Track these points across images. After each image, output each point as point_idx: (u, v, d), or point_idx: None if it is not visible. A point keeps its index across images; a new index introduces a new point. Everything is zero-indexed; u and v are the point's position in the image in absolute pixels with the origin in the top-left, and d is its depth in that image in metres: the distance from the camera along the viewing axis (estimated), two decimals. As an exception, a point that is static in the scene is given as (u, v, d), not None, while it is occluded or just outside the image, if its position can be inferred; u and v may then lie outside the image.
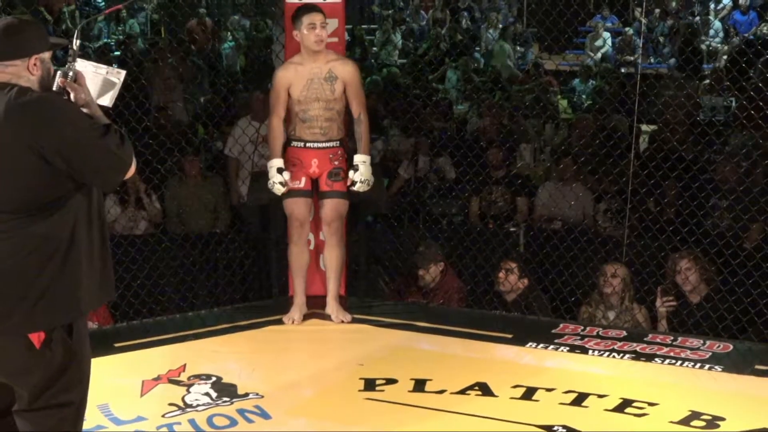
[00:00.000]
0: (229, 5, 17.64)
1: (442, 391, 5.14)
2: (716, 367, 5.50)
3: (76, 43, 3.60)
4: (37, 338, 3.41)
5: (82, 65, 3.59)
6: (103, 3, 16.84)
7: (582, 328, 6.16)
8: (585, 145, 7.78)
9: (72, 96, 3.49)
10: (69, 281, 3.45)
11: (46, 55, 3.49)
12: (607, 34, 16.25)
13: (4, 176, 3.34)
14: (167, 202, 8.19)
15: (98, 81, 3.64)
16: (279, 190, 6.11)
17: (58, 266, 3.42)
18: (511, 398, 5.07)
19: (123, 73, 3.73)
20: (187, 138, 8.36)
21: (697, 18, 16.87)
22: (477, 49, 16.03)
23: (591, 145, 7.61)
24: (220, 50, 14.41)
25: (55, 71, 3.54)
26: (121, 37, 15.59)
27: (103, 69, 3.69)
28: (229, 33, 14.89)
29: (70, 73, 3.52)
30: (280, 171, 6.07)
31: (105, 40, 15.66)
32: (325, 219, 6.16)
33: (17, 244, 3.38)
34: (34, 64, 3.44)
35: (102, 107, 3.60)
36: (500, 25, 16.74)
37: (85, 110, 3.49)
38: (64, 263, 3.42)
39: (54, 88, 3.50)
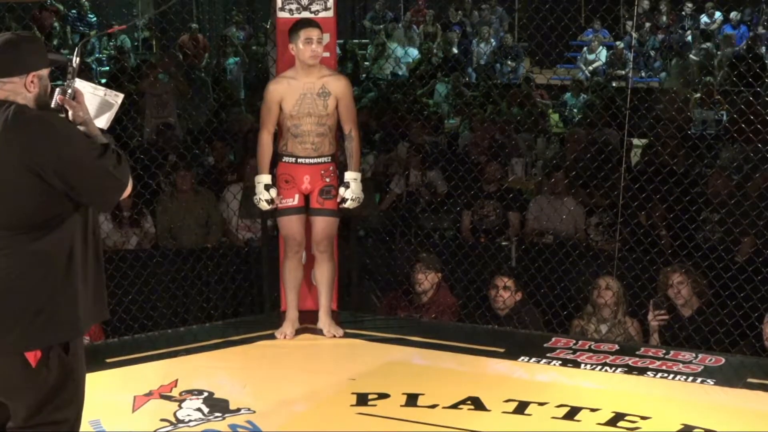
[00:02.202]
0: (221, 20, 17.67)
1: (434, 406, 5.14)
2: (708, 380, 5.50)
3: (75, 60, 3.59)
4: (33, 356, 3.39)
5: (82, 85, 3.57)
6: (95, 19, 16.85)
7: (574, 341, 6.15)
8: (576, 159, 7.79)
9: (70, 114, 3.49)
10: (67, 299, 3.43)
11: (44, 72, 3.47)
12: (602, 48, 16.34)
13: (2, 194, 3.33)
14: (159, 216, 8.19)
15: (96, 102, 3.63)
16: (264, 207, 6.11)
17: (56, 284, 3.40)
18: (504, 412, 5.06)
19: (121, 96, 3.72)
20: (180, 153, 8.36)
21: (688, 32, 16.94)
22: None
23: (582, 159, 7.63)
24: (224, 65, 14.44)
25: (53, 88, 3.53)
26: (112, 52, 15.60)
27: (101, 90, 3.68)
28: (231, 48, 14.91)
29: (69, 91, 3.50)
30: (267, 188, 6.07)
31: (97, 55, 15.67)
32: (316, 237, 6.16)
33: (15, 262, 3.37)
34: (32, 81, 3.42)
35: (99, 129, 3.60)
36: (492, 40, 16.79)
37: (82, 128, 3.48)
38: (62, 281, 3.41)
39: (52, 105, 3.49)
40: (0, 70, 3.39)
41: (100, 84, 3.80)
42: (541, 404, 5.13)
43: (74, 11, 16.69)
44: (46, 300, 3.39)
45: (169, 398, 5.24)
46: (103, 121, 3.65)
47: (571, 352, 5.96)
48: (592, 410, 5.05)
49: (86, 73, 11.00)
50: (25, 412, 3.47)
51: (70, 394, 3.51)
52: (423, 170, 8.79)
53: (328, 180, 6.11)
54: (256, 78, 12.81)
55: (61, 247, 3.40)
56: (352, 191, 6.08)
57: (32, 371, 3.40)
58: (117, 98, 3.70)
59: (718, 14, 17.04)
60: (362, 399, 5.23)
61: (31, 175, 3.31)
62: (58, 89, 3.51)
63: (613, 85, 14.08)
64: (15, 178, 3.32)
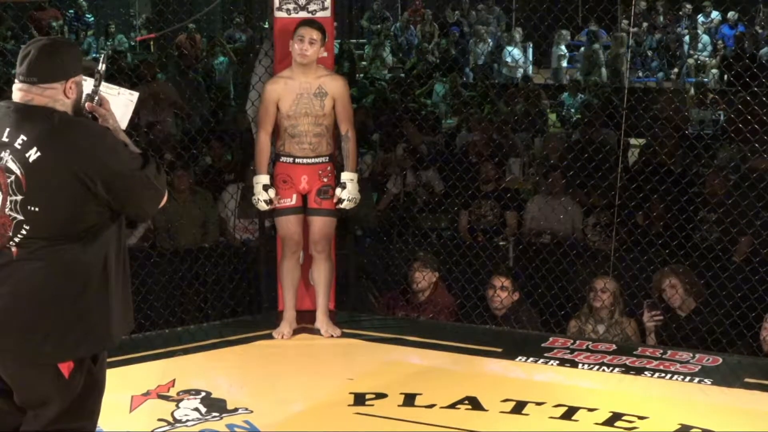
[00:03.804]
0: (218, 20, 17.66)
1: (431, 406, 5.14)
2: (706, 380, 5.51)
3: (102, 67, 3.55)
4: (66, 367, 3.39)
5: (103, 88, 3.56)
6: (92, 18, 16.86)
7: (572, 341, 6.16)
8: (560, 157, 7.78)
9: (100, 121, 3.47)
10: (102, 310, 3.43)
11: (80, 78, 3.45)
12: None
13: (44, 202, 3.31)
14: (156, 216, 8.17)
15: (118, 104, 3.61)
16: (263, 207, 6.11)
17: (91, 296, 3.39)
18: (501, 412, 5.06)
19: (136, 94, 3.71)
20: (177, 153, 8.35)
21: (685, 32, 16.95)
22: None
23: (565, 158, 7.62)
24: (212, 65, 14.42)
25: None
26: (109, 51, 15.59)
27: (115, 90, 3.66)
28: (219, 48, 14.89)
29: (96, 98, 3.49)
30: (265, 188, 6.07)
31: (93, 55, 15.66)
32: (313, 237, 6.16)
33: (53, 272, 3.35)
34: (70, 87, 3.40)
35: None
36: (489, 40, 16.79)
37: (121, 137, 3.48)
38: (97, 293, 3.41)
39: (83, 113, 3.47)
40: (42, 76, 3.36)
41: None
42: (538, 404, 5.14)
43: (72, 11, 16.69)
44: (82, 311, 3.38)
45: (166, 398, 5.24)
46: (124, 122, 3.64)
47: (568, 352, 5.96)
48: (590, 410, 5.05)
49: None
50: (46, 419, 3.45)
51: (92, 404, 3.52)
52: (418, 170, 8.80)
53: (325, 180, 6.11)
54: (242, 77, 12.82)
55: (97, 258, 3.40)
56: (348, 191, 6.08)
57: (64, 382, 3.40)
58: (133, 97, 3.69)
59: (715, 14, 17.05)
60: (360, 399, 5.23)
61: (76, 184, 3.29)
62: (84, 95, 3.48)
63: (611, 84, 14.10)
64: (58, 185, 3.29)
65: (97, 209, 3.36)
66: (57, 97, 3.38)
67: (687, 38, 16.73)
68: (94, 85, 3.50)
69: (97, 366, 3.49)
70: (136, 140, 7.23)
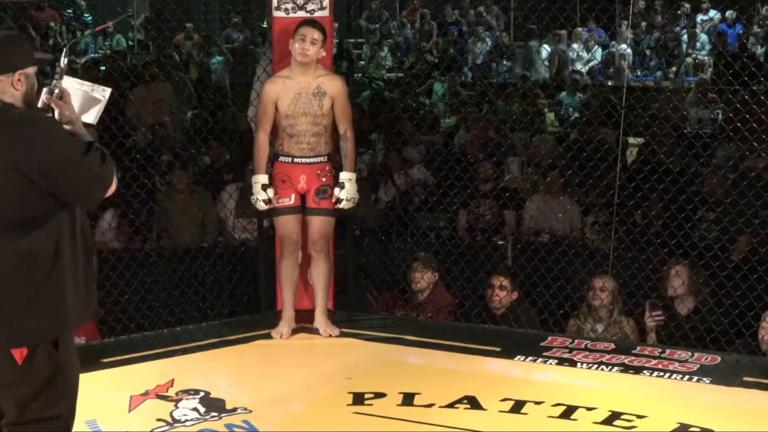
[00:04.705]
0: (216, 20, 17.67)
1: (430, 405, 5.14)
2: (704, 379, 5.51)
3: (63, 60, 3.60)
4: (19, 354, 3.40)
5: (69, 82, 3.59)
6: (90, 18, 16.85)
7: (570, 340, 6.16)
8: (558, 157, 7.77)
9: (56, 113, 3.49)
10: (54, 297, 3.43)
11: (31, 70, 3.47)
12: (597, 48, 16.35)
13: None
14: (156, 216, 8.18)
15: (84, 98, 3.65)
16: (261, 207, 6.11)
17: (42, 282, 3.41)
18: (500, 411, 5.06)
19: (108, 90, 3.74)
20: (175, 153, 8.36)
21: (684, 31, 16.96)
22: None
23: (562, 158, 7.62)
24: (208, 65, 14.43)
25: (41, 87, 3.53)
26: (108, 51, 15.60)
27: (88, 86, 3.70)
28: (215, 47, 14.91)
29: (56, 90, 3.52)
30: (264, 188, 6.07)
31: (92, 55, 15.67)
32: (312, 237, 6.16)
33: (1, 262, 3.37)
34: (18, 80, 3.42)
35: (87, 124, 3.60)
36: (487, 39, 16.80)
37: (68, 128, 3.48)
38: (48, 279, 3.41)
39: (39, 105, 3.50)
40: None
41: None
42: (537, 403, 5.14)
43: (70, 11, 16.69)
44: (31, 298, 3.39)
45: (165, 398, 5.23)
46: (91, 117, 3.67)
47: (567, 351, 5.96)
48: (589, 409, 5.06)
49: (84, 73, 11.00)
50: (16, 409, 3.47)
51: (61, 390, 3.51)
52: (404, 170, 8.83)
53: (324, 179, 6.11)
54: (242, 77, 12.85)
55: (46, 245, 3.40)
56: (347, 191, 6.08)
57: (19, 368, 3.41)
58: (105, 93, 3.72)
59: (713, 12, 17.05)
60: (358, 398, 5.23)
61: (15, 174, 3.30)
62: (45, 89, 3.52)
63: (609, 83, 14.11)
64: (0, 176, 3.31)
65: (42, 198, 3.36)
66: (5, 89, 3.40)
67: (685, 37, 16.74)
68: (55, 79, 3.54)
69: (59, 351, 3.48)
70: (134, 140, 7.28)
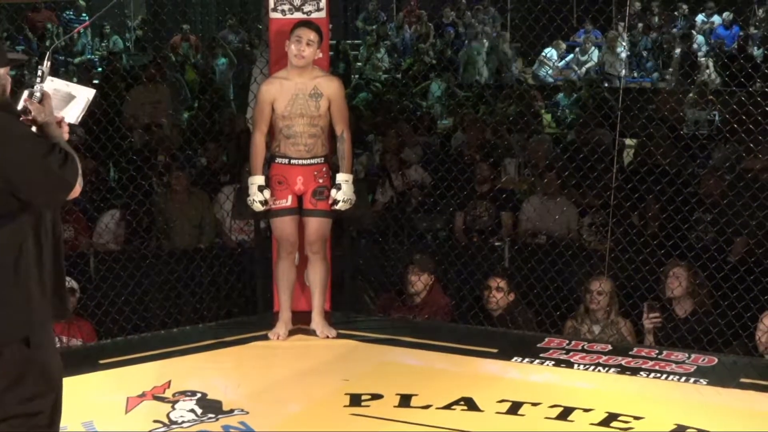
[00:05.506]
0: (213, 21, 17.66)
1: (427, 406, 5.14)
2: (701, 380, 5.50)
3: (46, 64, 3.59)
4: None
5: (52, 83, 3.58)
6: (87, 19, 16.83)
7: (567, 342, 6.15)
8: (555, 158, 7.77)
9: (33, 114, 3.48)
10: (15, 298, 3.41)
11: (2, 71, 3.45)
12: (594, 49, 16.35)
13: None
14: (153, 217, 8.18)
15: (66, 99, 3.65)
16: (258, 208, 6.10)
17: (4, 282, 3.39)
18: (497, 413, 5.06)
19: (93, 91, 3.74)
20: (172, 154, 8.36)
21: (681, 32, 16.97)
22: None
23: (559, 159, 7.63)
24: (213, 66, 14.42)
25: (22, 89, 3.53)
26: (104, 53, 15.60)
27: (71, 87, 3.70)
28: (220, 49, 14.91)
29: (37, 94, 3.51)
30: (261, 189, 6.07)
31: (88, 56, 15.66)
32: (309, 238, 6.16)
33: None
34: None
35: (72, 125, 3.61)
36: (485, 40, 16.80)
37: (34, 129, 3.47)
38: (11, 279, 3.39)
39: (19, 107, 3.48)
40: None
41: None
42: (534, 404, 5.14)
43: (70, 12, 16.68)
44: None
45: (162, 399, 5.23)
46: (74, 117, 3.67)
47: (564, 352, 5.95)
48: (586, 410, 5.06)
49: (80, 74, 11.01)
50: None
51: (39, 386, 3.48)
52: (402, 170, 8.83)
53: (321, 181, 6.11)
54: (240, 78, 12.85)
55: (10, 245, 3.38)
56: (343, 193, 6.07)
57: None
58: (89, 93, 3.72)
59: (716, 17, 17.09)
60: (355, 400, 5.23)
61: None
62: (26, 91, 3.52)
63: (606, 85, 14.10)
64: None
65: (3, 198, 3.35)
66: None
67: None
68: (37, 82, 3.54)
69: (32, 348, 3.45)
70: (131, 141, 7.27)
